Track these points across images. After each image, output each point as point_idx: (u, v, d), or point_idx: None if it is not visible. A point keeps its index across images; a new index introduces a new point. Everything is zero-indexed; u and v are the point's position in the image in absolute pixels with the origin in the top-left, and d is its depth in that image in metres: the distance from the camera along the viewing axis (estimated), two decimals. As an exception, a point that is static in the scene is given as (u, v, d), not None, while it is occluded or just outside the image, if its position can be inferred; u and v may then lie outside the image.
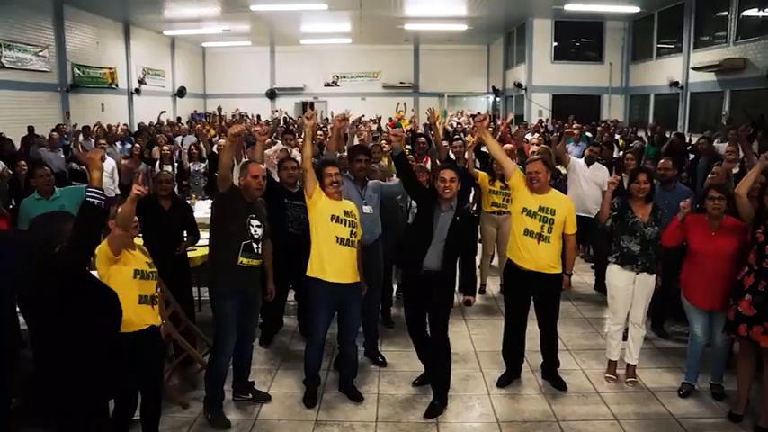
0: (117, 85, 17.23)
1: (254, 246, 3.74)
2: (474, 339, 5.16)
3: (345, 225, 3.85)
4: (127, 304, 3.00)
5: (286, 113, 18.66)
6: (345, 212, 3.89)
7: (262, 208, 3.88)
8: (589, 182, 6.21)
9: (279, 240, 4.18)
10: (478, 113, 17.53)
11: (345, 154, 5.38)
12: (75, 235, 2.46)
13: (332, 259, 3.82)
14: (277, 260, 4.12)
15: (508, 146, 6.20)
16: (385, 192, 4.63)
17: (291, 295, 5.29)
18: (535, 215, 3.99)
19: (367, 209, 4.35)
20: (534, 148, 7.46)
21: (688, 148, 9.33)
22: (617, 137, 11.62)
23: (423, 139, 6.85)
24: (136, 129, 15.08)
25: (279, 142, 8.38)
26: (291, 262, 4.32)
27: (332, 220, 3.82)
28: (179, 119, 18.62)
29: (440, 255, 3.83)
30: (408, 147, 7.38)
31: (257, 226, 3.76)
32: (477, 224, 6.14)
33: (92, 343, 2.54)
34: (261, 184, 3.73)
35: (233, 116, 16.74)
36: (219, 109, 14.58)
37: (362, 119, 13.54)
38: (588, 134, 11.37)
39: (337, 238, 3.82)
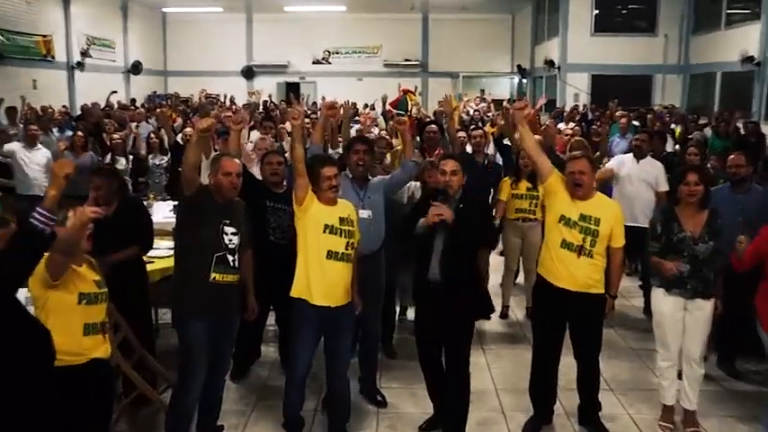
0: (53, 58, 17.21)
1: (230, 258, 3.73)
2: (494, 374, 5.15)
3: (341, 235, 3.85)
4: (68, 335, 2.98)
5: (270, 97, 18.66)
6: (341, 219, 3.88)
7: (238, 210, 3.88)
8: (638, 181, 6.17)
9: (258, 252, 4.18)
10: (515, 99, 17.43)
11: (340, 150, 5.38)
12: (4, 257, 2.46)
13: (320, 277, 3.83)
14: (256, 275, 4.12)
15: (536, 137, 6.20)
16: (393, 184, 4.63)
17: (272, 319, 5.26)
18: (575, 225, 3.98)
19: (365, 213, 4.35)
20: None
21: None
22: (673, 126, 11.60)
23: (434, 127, 6.87)
24: (78, 112, 15.05)
25: (256, 131, 8.39)
26: (272, 278, 4.31)
27: (324, 231, 3.82)
28: (133, 101, 18.64)
29: (449, 260, 3.86)
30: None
31: (232, 234, 3.75)
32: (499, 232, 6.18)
33: (14, 376, 2.52)
34: (234, 183, 3.73)
35: (199, 100, 16.74)
36: (177, 95, 14.36)
37: (349, 104, 13.28)
38: (636, 123, 11.37)
39: (329, 252, 3.82)
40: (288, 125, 8.45)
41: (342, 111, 6.25)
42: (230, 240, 3.74)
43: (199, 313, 3.69)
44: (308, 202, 3.82)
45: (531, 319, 4.67)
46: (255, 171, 5.33)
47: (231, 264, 3.74)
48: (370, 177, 4.59)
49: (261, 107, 14.95)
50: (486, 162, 6.49)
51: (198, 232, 3.69)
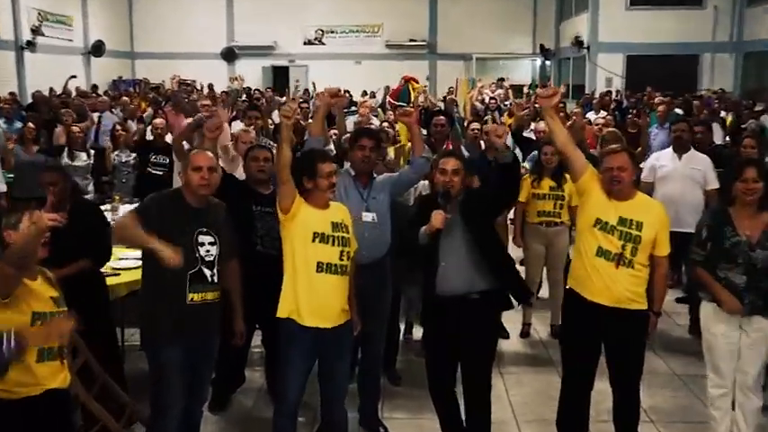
0: (-1, 36, 17.24)
1: (207, 272, 3.72)
2: (514, 402, 5.14)
3: (333, 244, 3.84)
4: (20, 363, 2.95)
5: (264, 91, 18.69)
6: (334, 225, 3.87)
7: (217, 213, 3.86)
8: (683, 179, 6.15)
9: (243, 263, 4.17)
10: (538, 85, 17.43)
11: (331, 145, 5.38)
12: None
13: (310, 294, 3.81)
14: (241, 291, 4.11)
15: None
16: (401, 184, 4.64)
17: (257, 339, 5.26)
18: (613, 230, 3.96)
19: (369, 216, 4.35)
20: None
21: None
22: (723, 114, 11.57)
23: (442, 118, 6.87)
24: (29, 100, 15.07)
25: (238, 122, 8.41)
26: (260, 294, 4.29)
27: (314, 240, 3.81)
28: (95, 87, 18.67)
29: (462, 266, 3.89)
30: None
31: (210, 243, 3.73)
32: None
33: None
34: (206, 179, 3.71)
35: (172, 86, 16.78)
36: (146, 81, 14.24)
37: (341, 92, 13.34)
38: (679, 111, 11.36)
39: (319, 264, 3.81)
40: (275, 116, 8.46)
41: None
42: (207, 252, 3.72)
43: (172, 336, 3.68)
44: (295, 209, 3.80)
45: (560, 339, 4.65)
46: (240, 174, 5.29)
47: (209, 279, 3.73)
48: (375, 175, 4.59)
49: (244, 95, 14.99)
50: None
51: (168, 243, 3.65)
